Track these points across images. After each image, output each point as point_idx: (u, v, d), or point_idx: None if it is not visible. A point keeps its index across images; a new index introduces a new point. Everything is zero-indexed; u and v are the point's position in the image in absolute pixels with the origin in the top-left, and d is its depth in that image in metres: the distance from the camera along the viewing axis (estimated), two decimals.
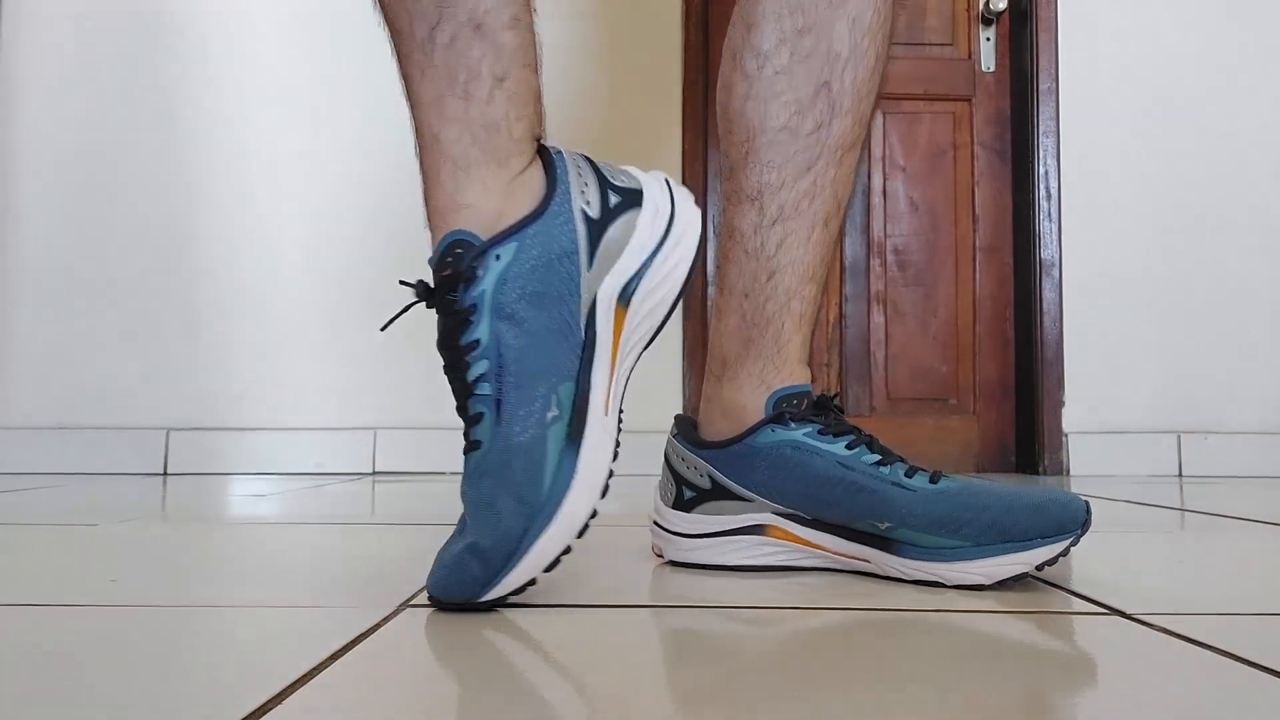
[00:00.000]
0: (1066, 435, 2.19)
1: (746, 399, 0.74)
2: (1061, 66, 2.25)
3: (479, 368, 0.59)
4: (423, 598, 0.61)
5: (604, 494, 0.59)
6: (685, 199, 0.66)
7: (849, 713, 0.40)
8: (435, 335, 0.62)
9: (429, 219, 0.62)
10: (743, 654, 0.50)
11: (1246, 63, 2.26)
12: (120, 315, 2.12)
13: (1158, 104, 2.25)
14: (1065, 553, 0.65)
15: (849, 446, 0.70)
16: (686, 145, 2.19)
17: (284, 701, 0.40)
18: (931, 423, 2.28)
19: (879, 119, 2.32)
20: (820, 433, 0.71)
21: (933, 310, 2.30)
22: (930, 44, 2.34)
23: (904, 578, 0.68)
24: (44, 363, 2.11)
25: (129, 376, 2.11)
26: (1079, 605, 0.62)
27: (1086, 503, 0.66)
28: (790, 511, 0.72)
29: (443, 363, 0.61)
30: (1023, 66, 2.30)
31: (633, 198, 0.64)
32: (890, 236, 2.31)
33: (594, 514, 0.59)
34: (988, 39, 2.34)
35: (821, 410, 0.73)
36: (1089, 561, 0.78)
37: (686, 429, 0.78)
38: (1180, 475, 2.15)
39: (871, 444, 0.71)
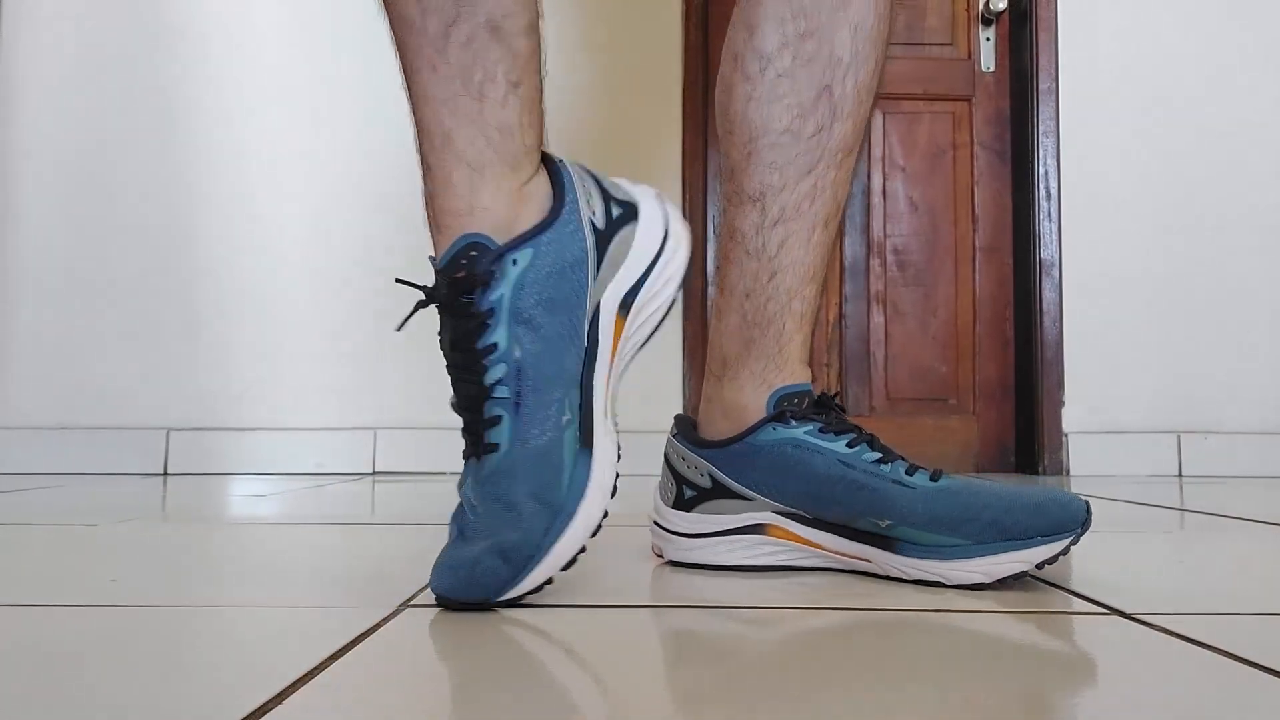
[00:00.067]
0: (1066, 435, 2.19)
1: (748, 398, 0.75)
2: (1061, 66, 2.25)
3: (497, 371, 0.59)
4: (423, 598, 0.61)
5: (613, 494, 0.62)
6: (677, 214, 0.70)
7: (849, 713, 0.40)
8: (436, 336, 0.62)
9: (436, 219, 0.62)
10: (743, 654, 0.50)
11: (1246, 63, 2.26)
12: (120, 315, 2.12)
13: (1158, 104, 2.25)
14: (1065, 552, 0.65)
15: (850, 445, 0.70)
16: (686, 145, 2.19)
17: (284, 701, 0.40)
18: (931, 423, 2.28)
19: (879, 119, 2.32)
20: (821, 431, 0.71)
21: (932, 310, 2.30)
22: (930, 44, 2.34)
23: (904, 577, 0.68)
24: (44, 363, 2.11)
25: (129, 376, 2.11)
26: (1079, 605, 0.62)
27: (1086, 502, 0.66)
28: (791, 510, 0.72)
29: (449, 364, 0.61)
30: (1022, 66, 2.30)
31: (630, 210, 0.67)
32: (890, 236, 2.31)
33: (605, 514, 0.61)
34: (987, 39, 2.34)
35: (822, 409, 0.73)
36: (1089, 561, 0.78)
37: (686, 429, 0.78)
38: (1180, 475, 2.15)
39: (872, 442, 0.71)
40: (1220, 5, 2.27)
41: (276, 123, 2.16)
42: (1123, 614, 0.59)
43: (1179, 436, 2.18)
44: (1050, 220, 2.23)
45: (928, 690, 0.43)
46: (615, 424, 0.65)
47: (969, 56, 2.35)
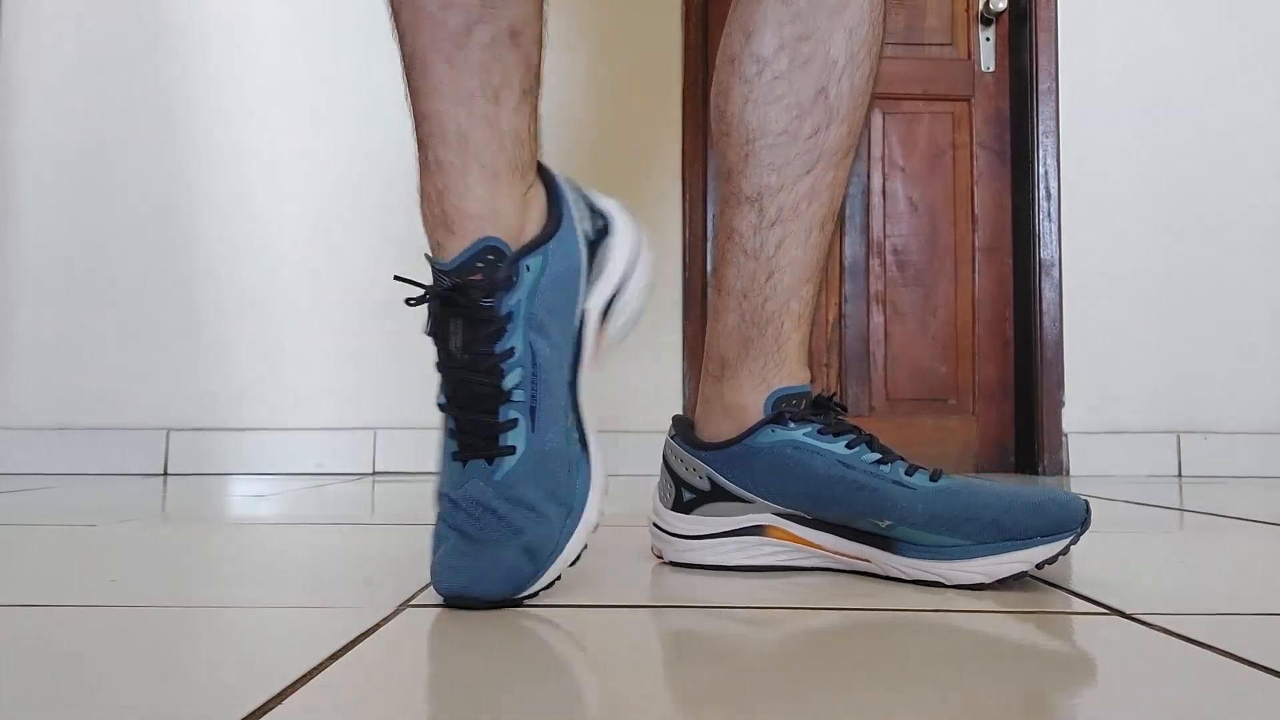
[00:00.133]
0: (1066, 435, 2.19)
1: (747, 398, 0.75)
2: (1061, 66, 2.25)
3: (515, 376, 0.61)
4: (423, 598, 0.61)
5: (606, 493, 0.65)
6: (641, 226, 0.74)
7: (849, 713, 0.40)
8: (427, 335, 0.62)
9: (447, 218, 0.62)
10: (743, 654, 0.50)
11: (1246, 63, 2.26)
12: (120, 315, 2.12)
13: (1158, 104, 2.25)
14: (1065, 551, 0.65)
15: (849, 445, 0.70)
16: (686, 145, 2.19)
17: (284, 701, 0.40)
18: (931, 423, 2.28)
19: (878, 119, 2.32)
20: (820, 432, 0.71)
21: (932, 310, 2.30)
22: (930, 44, 2.34)
23: (904, 577, 0.68)
24: (44, 363, 2.11)
25: (129, 376, 2.11)
26: (1079, 605, 0.62)
27: (1086, 502, 0.66)
28: (790, 511, 0.72)
29: (454, 365, 0.61)
30: (1022, 66, 2.30)
31: (608, 221, 0.70)
32: (890, 236, 2.31)
33: (602, 512, 0.65)
34: (987, 39, 2.34)
35: (821, 410, 0.73)
36: (1089, 561, 0.78)
37: (684, 430, 0.78)
38: (1180, 475, 2.15)
39: (871, 443, 0.71)
40: (1220, 5, 2.27)
41: (276, 123, 2.16)
42: (1123, 614, 0.59)
43: (1179, 436, 2.18)
44: (1050, 220, 2.23)
45: (928, 690, 0.43)
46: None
47: (969, 56, 2.35)
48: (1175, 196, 2.24)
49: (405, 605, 0.59)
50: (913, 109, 2.33)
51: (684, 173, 2.18)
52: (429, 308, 0.62)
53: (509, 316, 0.61)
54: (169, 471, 2.07)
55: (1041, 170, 2.23)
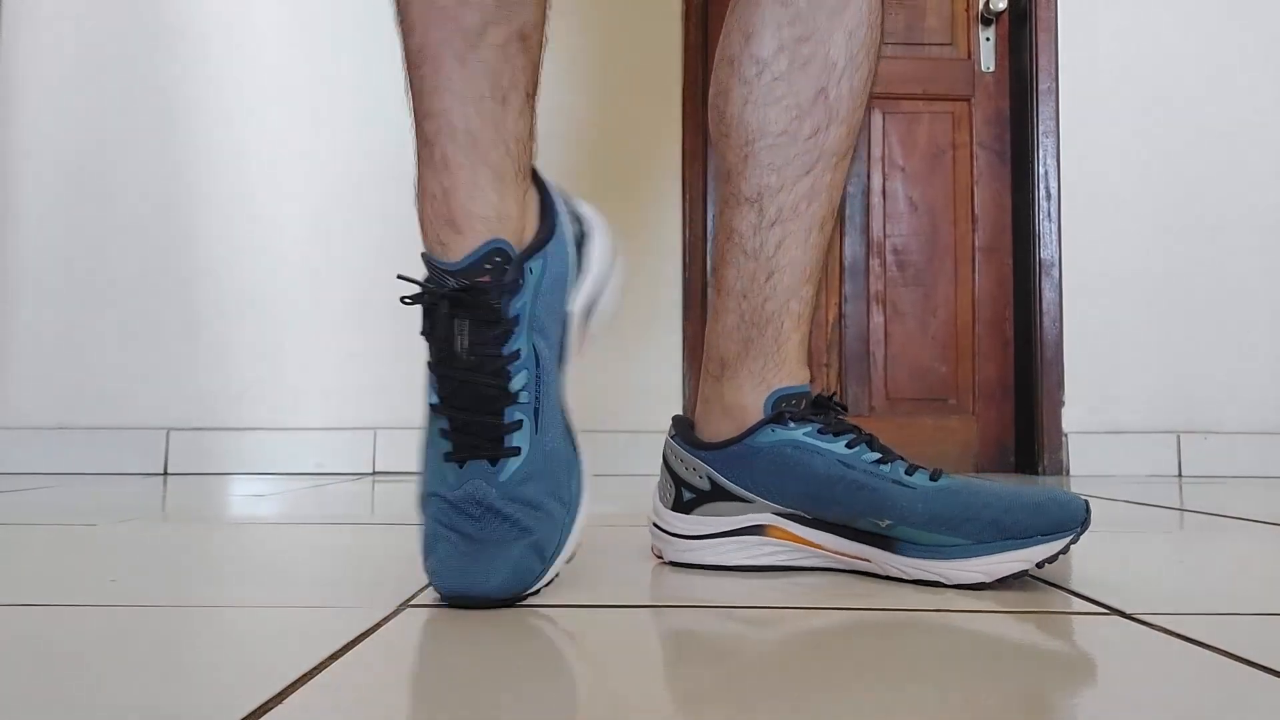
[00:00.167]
0: (1066, 435, 2.19)
1: (747, 398, 0.75)
2: (1061, 66, 2.25)
3: (521, 378, 0.62)
4: (423, 598, 0.61)
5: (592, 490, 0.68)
6: (611, 228, 0.75)
7: (849, 713, 0.40)
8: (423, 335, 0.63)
9: (454, 217, 0.61)
10: (743, 654, 0.50)
11: (1246, 63, 2.26)
12: (120, 315, 2.12)
13: (1158, 104, 2.25)
14: (1065, 550, 0.65)
15: (849, 445, 0.70)
16: (686, 145, 2.19)
17: (284, 701, 0.40)
18: (931, 423, 2.28)
19: (878, 119, 2.32)
20: (820, 432, 0.71)
21: (932, 310, 2.30)
22: (930, 44, 2.34)
23: (904, 577, 0.68)
24: (44, 363, 2.11)
25: (129, 376, 2.11)
26: (1079, 605, 0.62)
27: (1086, 502, 0.66)
28: (790, 511, 0.72)
29: (456, 365, 0.61)
30: (1022, 66, 2.30)
31: (585, 224, 0.72)
32: (890, 236, 2.31)
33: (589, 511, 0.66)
34: (987, 39, 2.34)
35: (821, 409, 0.73)
36: (1089, 561, 0.78)
37: (684, 430, 0.78)
38: (1180, 475, 2.15)
39: (871, 442, 0.71)
40: (1220, 5, 2.27)
41: (276, 123, 2.16)
42: (1123, 614, 0.59)
43: (1179, 436, 2.18)
44: (1050, 220, 2.23)
45: (928, 690, 0.43)
46: None
47: (969, 56, 2.35)
48: (1175, 196, 2.23)
49: (405, 605, 0.59)
50: (912, 109, 2.33)
51: (684, 173, 2.18)
52: (426, 307, 0.62)
53: (516, 319, 0.61)
54: (169, 471, 2.07)
55: (1041, 170, 2.23)
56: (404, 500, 1.42)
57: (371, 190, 2.12)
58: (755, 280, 0.75)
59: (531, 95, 0.63)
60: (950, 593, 0.65)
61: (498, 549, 0.59)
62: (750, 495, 0.73)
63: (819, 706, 0.40)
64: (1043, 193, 2.23)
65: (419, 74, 0.61)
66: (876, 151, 2.32)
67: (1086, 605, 0.62)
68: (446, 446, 0.62)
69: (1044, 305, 2.21)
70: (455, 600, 0.58)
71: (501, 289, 0.61)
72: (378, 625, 0.54)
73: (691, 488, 0.75)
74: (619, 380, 2.10)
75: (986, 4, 2.30)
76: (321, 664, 0.46)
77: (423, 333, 0.63)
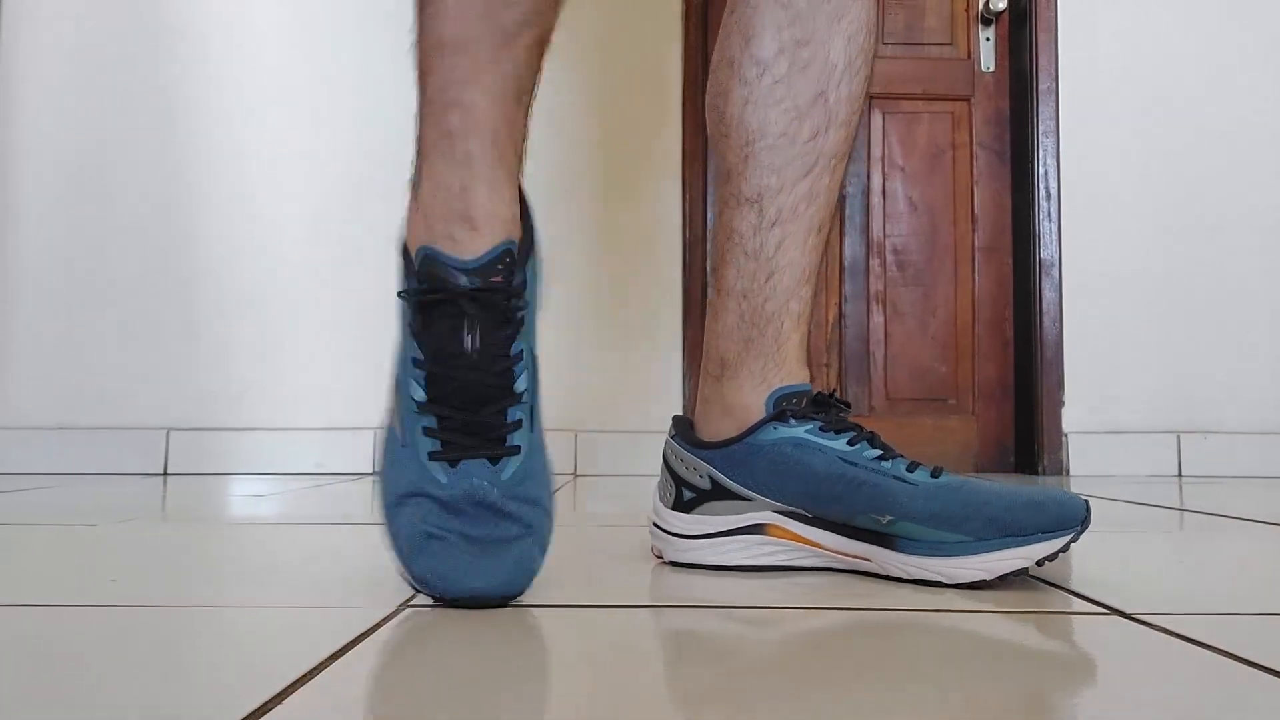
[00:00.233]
0: (1066, 435, 2.19)
1: (748, 398, 0.75)
2: (1061, 66, 2.25)
3: (524, 379, 0.62)
4: (422, 598, 0.61)
5: None
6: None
7: (849, 713, 0.40)
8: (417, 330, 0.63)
9: (470, 215, 0.61)
10: (743, 654, 0.50)
11: (1246, 63, 2.26)
12: (120, 315, 2.12)
13: (1158, 104, 2.25)
14: (1065, 549, 0.65)
15: (850, 443, 0.70)
16: (686, 145, 2.19)
17: (284, 701, 0.40)
18: (931, 423, 2.28)
19: (878, 119, 2.32)
20: (821, 430, 0.71)
21: (932, 310, 2.30)
22: (929, 44, 2.34)
23: (904, 576, 0.68)
24: (44, 363, 2.11)
25: (129, 376, 2.11)
26: (1079, 605, 0.62)
27: (1086, 501, 0.66)
28: (791, 510, 0.72)
29: (460, 364, 0.61)
30: (1022, 66, 2.30)
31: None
32: (889, 236, 2.31)
33: None
34: (987, 39, 2.34)
35: (822, 408, 0.73)
36: (1089, 561, 0.78)
37: (684, 430, 0.78)
38: (1180, 475, 2.15)
39: (872, 440, 0.71)
40: (1220, 5, 2.27)
41: (276, 123, 2.16)
42: (1123, 614, 0.59)
43: (1179, 436, 2.18)
44: (1050, 220, 2.23)
45: (928, 690, 0.43)
46: None
47: (968, 56, 2.35)
48: (1175, 196, 2.23)
49: (405, 605, 0.59)
50: (912, 109, 2.33)
51: (684, 173, 2.18)
52: (425, 304, 0.61)
53: (521, 320, 0.62)
54: (169, 471, 2.07)
55: (1041, 170, 2.23)
56: None
57: (371, 190, 2.12)
58: (755, 280, 0.75)
59: (533, 99, 0.64)
60: (950, 593, 0.65)
61: (503, 547, 0.59)
62: (751, 494, 0.73)
63: (819, 706, 0.40)
64: (1043, 193, 2.23)
65: (449, 63, 0.60)
66: (876, 151, 2.32)
67: (1086, 605, 0.62)
68: (432, 445, 0.61)
69: (1044, 305, 2.21)
70: (460, 601, 0.58)
71: (512, 290, 0.61)
72: (378, 625, 0.54)
73: (692, 487, 0.75)
74: (619, 380, 2.10)
75: (986, 4, 2.30)
76: (321, 664, 0.46)
77: (414, 330, 0.62)
